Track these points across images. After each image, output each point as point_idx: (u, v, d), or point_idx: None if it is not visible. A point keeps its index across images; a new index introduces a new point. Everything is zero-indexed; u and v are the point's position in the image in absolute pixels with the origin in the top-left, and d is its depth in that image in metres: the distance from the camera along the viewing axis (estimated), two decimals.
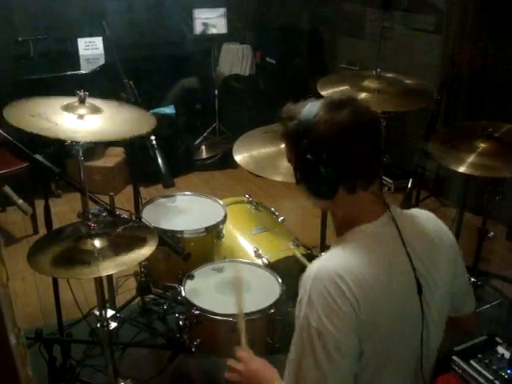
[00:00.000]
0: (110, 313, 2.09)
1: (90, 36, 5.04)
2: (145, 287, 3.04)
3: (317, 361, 1.24)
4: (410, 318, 1.36)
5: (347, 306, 1.24)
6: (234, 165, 5.16)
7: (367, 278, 1.27)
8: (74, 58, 4.97)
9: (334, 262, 1.32)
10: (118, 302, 3.14)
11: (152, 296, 3.22)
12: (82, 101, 2.18)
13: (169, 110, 5.13)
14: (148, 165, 3.06)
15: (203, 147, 5.58)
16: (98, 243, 1.93)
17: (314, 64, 5.89)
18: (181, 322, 2.24)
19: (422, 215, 1.51)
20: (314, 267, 1.32)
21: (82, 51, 5.05)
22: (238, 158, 2.56)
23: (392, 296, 1.32)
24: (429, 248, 1.41)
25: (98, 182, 4.50)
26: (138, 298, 3.23)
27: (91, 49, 5.07)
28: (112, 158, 4.87)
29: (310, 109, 1.35)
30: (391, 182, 4.74)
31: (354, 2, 5.49)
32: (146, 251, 1.99)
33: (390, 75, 3.02)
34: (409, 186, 3.55)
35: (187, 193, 3.04)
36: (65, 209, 4.23)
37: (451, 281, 1.47)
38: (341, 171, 1.33)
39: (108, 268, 1.86)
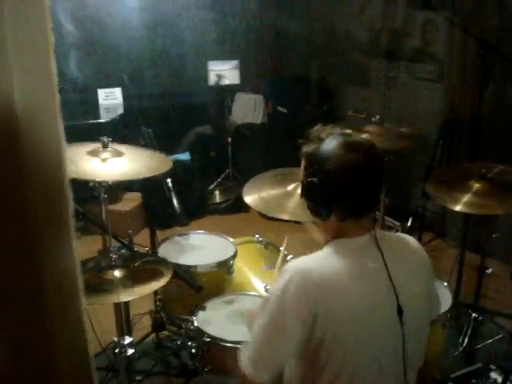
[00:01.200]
0: (127, 340, 2.24)
1: (109, 87, 5.30)
2: (159, 324, 3.18)
3: (264, 316, 1.49)
4: (386, 325, 1.50)
5: (305, 298, 1.43)
6: (246, 209, 5.37)
7: (334, 281, 1.45)
8: (94, 108, 5.22)
9: (307, 261, 1.51)
10: (134, 338, 3.26)
11: (166, 333, 3.32)
12: (105, 146, 2.40)
13: (184, 156, 5.36)
14: (164, 208, 3.25)
15: (217, 192, 5.76)
16: (117, 273, 2.11)
17: (323, 112, 6.12)
18: (193, 350, 2.38)
19: (403, 237, 1.69)
20: (290, 263, 1.53)
21: (101, 101, 5.30)
22: (248, 199, 2.72)
23: (363, 300, 1.47)
24: (407, 265, 1.58)
25: (115, 226, 4.67)
26: (153, 335, 3.34)
27: (110, 99, 5.32)
28: (129, 203, 5.04)
29: (332, 141, 1.51)
30: (398, 224, 4.88)
31: (360, 53, 5.71)
32: (161, 282, 2.17)
33: (387, 124, 3.25)
34: (408, 224, 3.71)
35: (200, 231, 3.22)
36: (84, 250, 4.34)
37: (427, 294, 1.62)
38: (336, 202, 1.51)
39: (127, 295, 2.03)
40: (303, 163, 1.61)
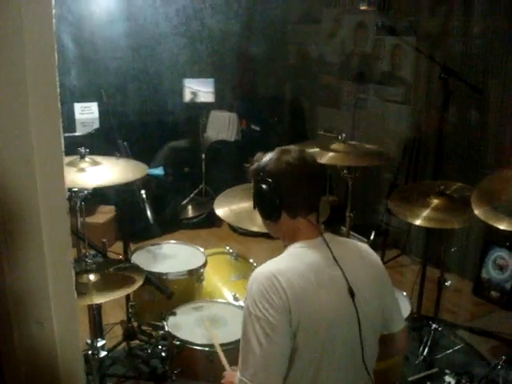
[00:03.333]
0: (100, 342, 2.33)
1: (86, 101, 5.35)
2: (131, 333, 3.26)
3: (258, 340, 1.54)
4: (344, 319, 1.64)
5: (278, 299, 1.55)
6: (218, 224, 5.49)
7: (298, 279, 1.58)
8: (70, 122, 5.27)
9: (271, 265, 1.65)
10: (106, 346, 3.34)
11: (137, 342, 3.39)
12: (82, 157, 2.51)
13: (158, 171, 5.45)
14: (137, 221, 3.34)
15: (189, 207, 5.85)
16: (92, 278, 2.21)
17: (296, 131, 6.28)
18: (163, 354, 2.48)
19: (354, 242, 1.86)
20: (256, 270, 1.65)
21: (77, 115, 5.35)
22: (220, 211, 2.83)
23: (323, 298, 1.60)
24: (358, 266, 1.72)
25: (89, 238, 4.73)
26: (124, 344, 3.41)
27: (86, 113, 5.37)
28: (103, 215, 5.10)
29: (269, 154, 1.76)
30: (366, 240, 5.03)
31: (331, 75, 5.90)
32: (133, 287, 2.27)
33: (353, 142, 3.42)
34: (371, 238, 3.86)
35: (172, 241, 3.33)
36: None
37: (380, 296, 1.76)
38: (283, 199, 1.69)
39: (101, 298, 2.12)
40: (251, 180, 1.81)
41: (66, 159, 2.49)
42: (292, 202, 1.71)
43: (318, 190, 1.77)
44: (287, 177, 1.69)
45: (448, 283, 3.31)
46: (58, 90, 0.90)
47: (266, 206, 1.74)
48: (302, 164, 1.71)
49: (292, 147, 1.77)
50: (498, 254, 4.12)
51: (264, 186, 1.70)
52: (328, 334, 1.61)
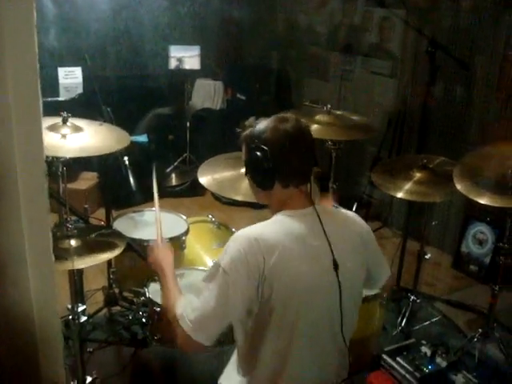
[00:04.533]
0: (81, 308, 2.33)
1: (70, 66, 5.29)
2: (112, 299, 3.28)
3: (218, 293, 1.58)
4: (324, 289, 1.65)
5: (254, 262, 1.56)
6: (201, 193, 5.48)
7: (279, 245, 1.59)
8: (53, 86, 5.21)
9: (255, 229, 1.64)
10: (87, 312, 3.35)
11: (118, 308, 3.41)
12: (64, 121, 2.48)
13: (142, 138, 5.41)
14: (120, 188, 3.29)
15: (173, 175, 5.82)
16: (73, 243, 2.20)
17: (282, 101, 6.25)
18: (144, 320, 2.49)
19: (342, 212, 1.87)
20: (237, 232, 1.65)
21: (61, 80, 5.28)
22: (203, 180, 2.82)
23: (303, 268, 1.62)
24: (344, 237, 1.73)
25: (71, 204, 4.71)
26: (105, 310, 3.41)
27: (70, 78, 5.31)
28: (86, 182, 5.07)
29: (263, 121, 1.72)
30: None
31: (318, 46, 5.86)
32: (114, 253, 2.26)
33: (339, 112, 3.40)
34: (353, 209, 3.87)
35: (154, 209, 3.31)
36: None
37: (363, 263, 1.78)
38: (278, 169, 1.66)
39: (82, 263, 2.12)
40: (244, 145, 1.78)
41: (48, 121, 2.47)
42: (286, 172, 1.69)
43: (311, 161, 1.75)
44: (284, 146, 1.66)
45: (427, 256, 3.36)
46: (37, 50, 0.88)
47: (259, 174, 1.72)
48: (299, 134, 1.68)
49: (289, 115, 1.73)
50: (478, 228, 4.17)
51: (259, 154, 1.66)
52: (304, 303, 1.63)
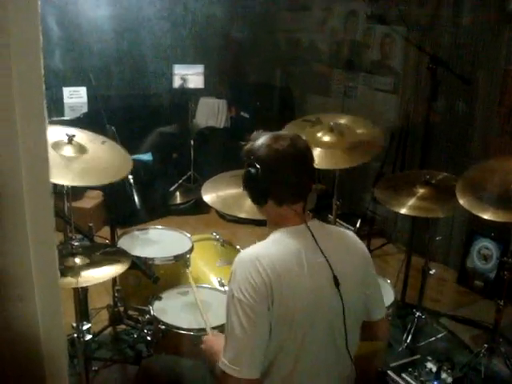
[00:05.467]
0: (86, 326, 2.34)
1: (75, 85, 5.33)
2: (117, 317, 3.28)
3: (241, 323, 1.56)
4: (326, 306, 1.65)
5: (261, 282, 1.56)
6: (206, 210, 5.49)
7: (281, 264, 1.60)
8: (58, 106, 5.25)
9: (256, 249, 1.66)
10: (91, 331, 3.35)
11: (123, 326, 3.41)
12: (69, 141, 2.48)
13: (146, 156, 5.44)
14: (125, 206, 3.31)
15: (177, 193, 5.83)
16: (78, 261, 2.21)
17: (285, 118, 6.27)
18: (149, 338, 2.49)
19: (341, 230, 1.87)
20: (241, 254, 1.67)
21: (66, 99, 5.33)
22: (207, 197, 2.84)
23: (305, 284, 1.61)
24: (343, 255, 1.73)
25: (76, 222, 4.73)
26: (110, 328, 3.42)
27: (75, 97, 5.35)
28: (91, 200, 5.07)
29: (263, 137, 1.73)
30: (353, 228, 5.06)
31: (321, 63, 5.91)
32: (119, 271, 2.27)
33: (342, 121, 3.29)
34: (357, 226, 3.88)
35: (159, 227, 3.34)
36: None
37: (363, 284, 1.77)
38: (270, 187, 1.69)
39: (87, 281, 2.13)
40: (244, 159, 1.79)
41: (53, 140, 2.47)
42: (278, 191, 1.70)
43: (307, 179, 1.74)
44: (275, 165, 1.68)
45: (432, 272, 3.35)
46: (43, 72, 0.90)
47: (253, 190, 1.74)
48: (292, 153, 1.68)
49: (285, 133, 1.75)
50: (483, 244, 4.16)
51: (252, 171, 1.69)
52: (308, 320, 1.63)
